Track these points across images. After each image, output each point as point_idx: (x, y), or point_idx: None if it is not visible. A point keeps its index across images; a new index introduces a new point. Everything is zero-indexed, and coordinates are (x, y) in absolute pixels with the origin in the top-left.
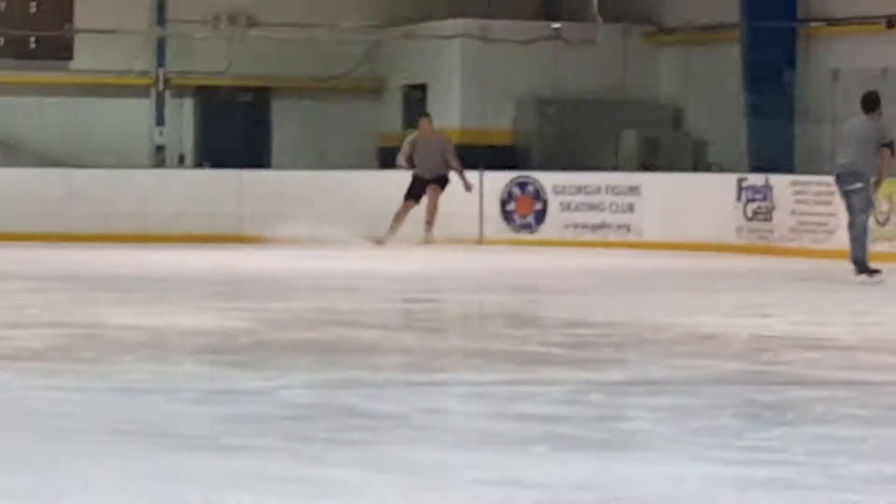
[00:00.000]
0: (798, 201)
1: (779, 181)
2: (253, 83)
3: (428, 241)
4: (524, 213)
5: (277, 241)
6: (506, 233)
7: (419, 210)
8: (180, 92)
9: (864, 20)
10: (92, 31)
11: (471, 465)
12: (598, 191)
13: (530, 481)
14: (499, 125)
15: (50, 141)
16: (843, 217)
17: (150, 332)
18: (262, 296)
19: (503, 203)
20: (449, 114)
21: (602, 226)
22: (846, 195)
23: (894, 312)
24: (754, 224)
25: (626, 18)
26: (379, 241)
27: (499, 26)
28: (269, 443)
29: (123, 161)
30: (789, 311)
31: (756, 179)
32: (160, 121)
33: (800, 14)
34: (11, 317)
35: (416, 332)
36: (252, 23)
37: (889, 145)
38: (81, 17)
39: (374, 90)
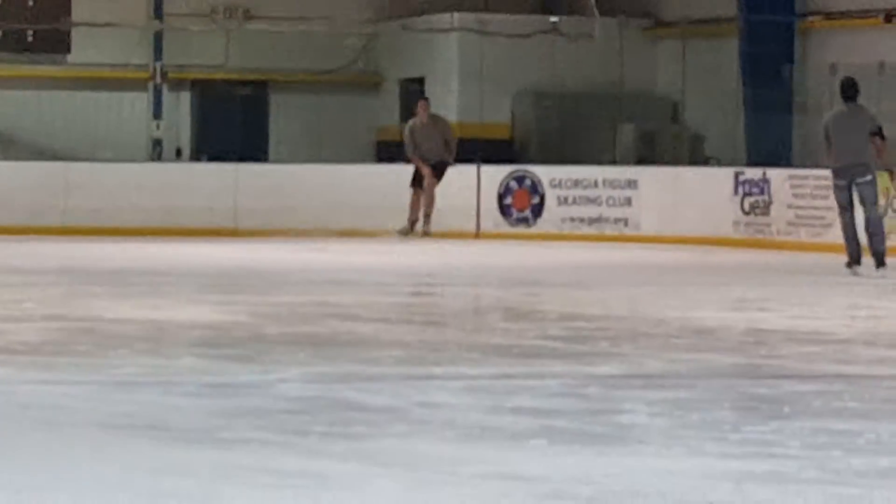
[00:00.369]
0: (795, 195)
1: (776, 175)
2: (250, 77)
3: (426, 233)
4: (521, 206)
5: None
6: (503, 226)
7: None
8: (177, 85)
9: (862, 14)
10: (89, 24)
11: (468, 458)
12: (595, 184)
13: (527, 475)
14: (496, 119)
15: (47, 134)
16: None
17: (146, 325)
18: (259, 289)
19: (500, 197)
20: (446, 107)
21: (599, 219)
22: (857, 187)
23: (891, 306)
24: (751, 218)
25: (624, 12)
26: (402, 232)
27: (496, 20)
28: (267, 436)
29: (120, 154)
30: (786, 304)
31: (753, 173)
32: (157, 114)
33: (798, 8)
34: (7, 310)
35: (413, 326)
36: (249, 16)
37: (879, 132)
38: (79, 11)
39: (372, 84)
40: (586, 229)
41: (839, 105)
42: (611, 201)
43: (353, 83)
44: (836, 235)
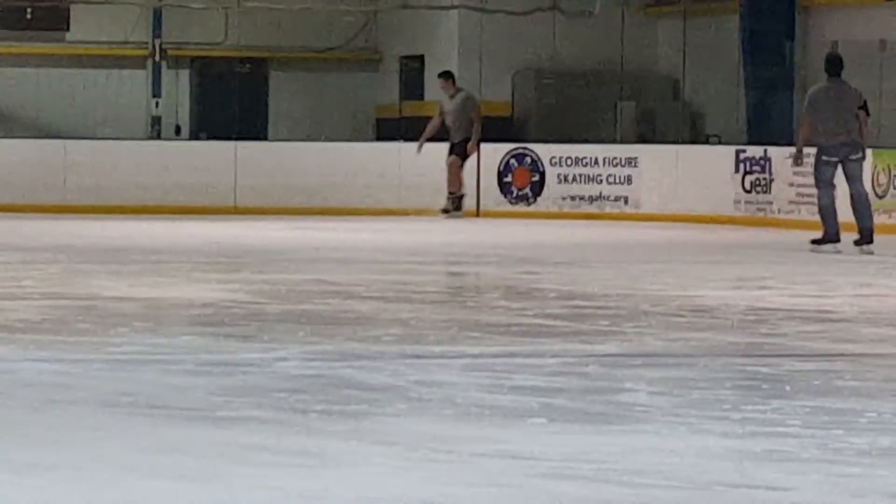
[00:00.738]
0: (796, 173)
1: (777, 153)
2: (250, 54)
3: (444, 210)
4: (521, 184)
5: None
6: (503, 205)
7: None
8: (177, 63)
9: None
10: (88, 1)
11: (468, 437)
12: (595, 163)
13: (527, 453)
14: (496, 97)
15: (46, 112)
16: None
17: (145, 303)
18: (258, 267)
19: (500, 175)
20: None
21: (599, 198)
22: (847, 164)
23: (892, 284)
24: (752, 196)
25: None
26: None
27: None
28: (266, 414)
29: (120, 132)
30: (787, 283)
31: (754, 151)
32: (157, 92)
33: None
34: (6, 288)
35: (413, 304)
36: None
37: (864, 106)
38: None
39: (372, 61)
40: (586, 207)
41: (823, 80)
42: (611, 179)
43: (353, 61)
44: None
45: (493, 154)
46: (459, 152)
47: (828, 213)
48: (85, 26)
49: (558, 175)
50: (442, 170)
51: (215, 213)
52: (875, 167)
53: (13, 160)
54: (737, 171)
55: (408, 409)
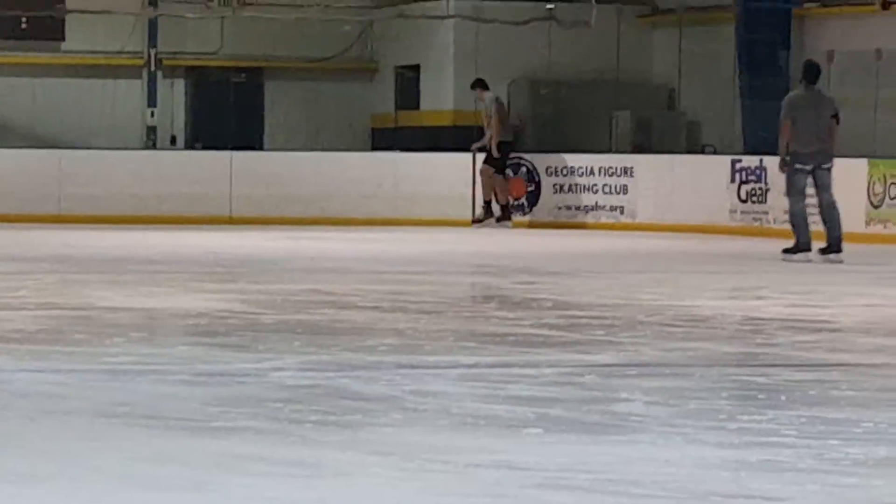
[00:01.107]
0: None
1: (773, 162)
2: (245, 64)
3: (476, 219)
4: (517, 194)
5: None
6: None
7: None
8: (172, 73)
9: (859, 1)
10: (83, 11)
11: (463, 447)
12: (591, 172)
13: (523, 464)
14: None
15: (41, 122)
16: (839, 198)
17: (141, 313)
18: (253, 277)
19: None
20: (442, 95)
21: (595, 207)
22: (818, 173)
23: (887, 294)
24: (748, 206)
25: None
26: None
27: (492, 7)
28: (261, 425)
29: (115, 142)
30: (783, 293)
31: (750, 161)
32: (152, 102)
33: None
34: (2, 298)
35: (408, 314)
36: (244, 3)
37: (836, 116)
38: None
39: (367, 71)
40: (582, 217)
41: (800, 88)
42: (606, 189)
43: (349, 70)
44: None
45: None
46: (491, 161)
47: (799, 221)
48: (80, 36)
49: (554, 185)
50: (434, 178)
51: (211, 223)
52: (871, 177)
53: (9, 170)
54: (732, 180)
55: (403, 419)
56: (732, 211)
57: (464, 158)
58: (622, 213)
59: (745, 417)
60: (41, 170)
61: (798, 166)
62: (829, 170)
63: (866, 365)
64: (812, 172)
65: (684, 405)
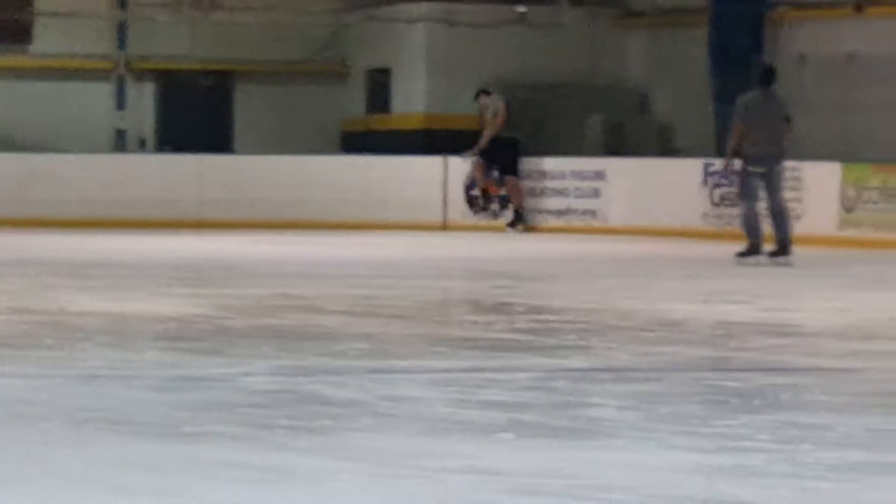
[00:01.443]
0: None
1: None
2: (215, 67)
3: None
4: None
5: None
6: (470, 218)
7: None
8: (141, 76)
9: (832, 4)
10: (52, 14)
11: (435, 452)
12: (563, 176)
13: (495, 469)
14: (464, 110)
15: (9, 125)
16: (812, 202)
17: (110, 318)
18: (223, 282)
19: (468, 188)
20: (413, 98)
21: (567, 211)
22: (770, 175)
23: (860, 298)
24: (721, 209)
25: (593, 2)
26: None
27: (464, 10)
28: (232, 430)
29: (84, 145)
30: (756, 297)
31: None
32: (121, 105)
33: None
34: None
35: (379, 319)
36: (214, 6)
37: (788, 120)
38: (41, 0)
39: (338, 74)
40: (554, 221)
41: (754, 90)
42: (579, 193)
43: (319, 73)
44: (807, 226)
45: (460, 167)
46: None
47: (752, 224)
48: (48, 39)
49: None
50: (405, 182)
51: (180, 226)
52: (844, 181)
53: None
54: (705, 184)
55: (375, 424)
56: (705, 214)
57: (435, 162)
58: (594, 216)
59: (719, 422)
60: (9, 173)
61: (751, 169)
62: (780, 172)
63: (839, 369)
64: (764, 175)
65: (657, 410)
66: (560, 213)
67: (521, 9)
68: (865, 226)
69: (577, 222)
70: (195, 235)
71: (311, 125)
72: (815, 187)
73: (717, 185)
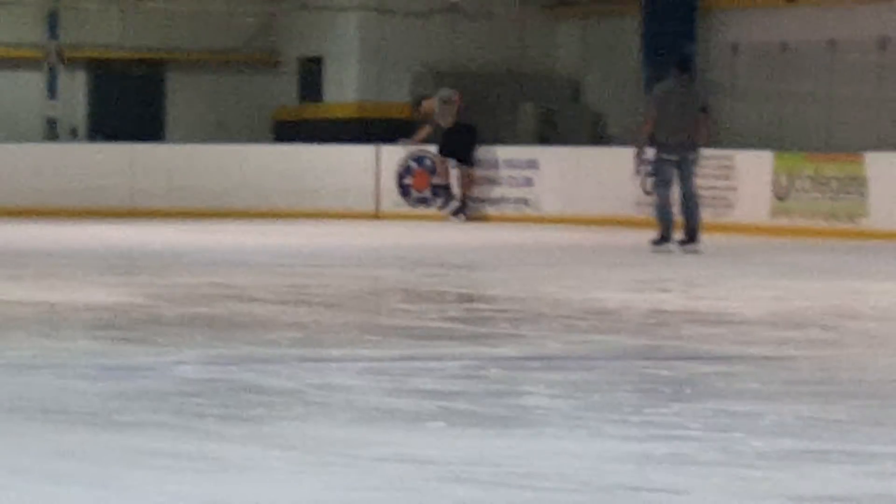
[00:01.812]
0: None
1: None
2: (147, 56)
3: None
4: (421, 187)
5: None
6: (403, 207)
7: (325, 182)
8: (73, 65)
9: None
10: None
11: (367, 441)
12: (495, 164)
13: (426, 457)
14: (396, 98)
15: None
16: (744, 191)
17: (42, 307)
18: (155, 271)
19: (400, 177)
20: (345, 87)
21: (500, 200)
22: (682, 164)
23: (792, 286)
24: (653, 198)
25: None
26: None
27: None
28: (164, 419)
29: (15, 134)
30: (688, 285)
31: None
32: (53, 94)
33: None
34: None
35: (311, 308)
36: None
37: (705, 109)
38: None
39: (270, 63)
40: (487, 209)
41: (671, 78)
42: (511, 181)
43: (251, 62)
44: (739, 216)
45: (392, 156)
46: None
47: (664, 212)
48: None
49: (458, 177)
50: (338, 170)
51: (112, 215)
52: (776, 170)
53: None
54: (637, 172)
55: (306, 413)
56: (637, 203)
57: (368, 150)
58: (527, 205)
59: (650, 410)
60: None
61: (664, 156)
62: (693, 161)
63: (771, 357)
64: (677, 163)
65: (588, 398)
66: (492, 201)
67: None
68: (797, 214)
69: (509, 211)
70: (127, 224)
71: (244, 114)
72: (748, 176)
73: (650, 174)
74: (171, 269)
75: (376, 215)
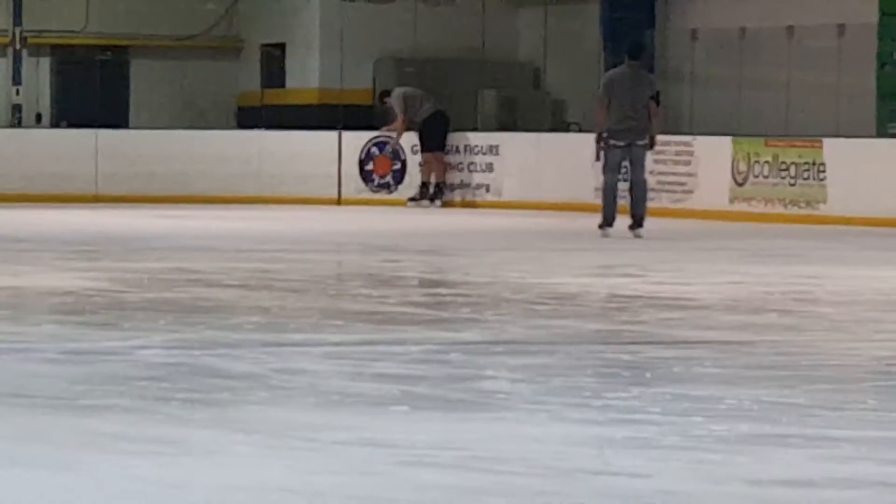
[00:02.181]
0: (657, 161)
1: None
2: (111, 42)
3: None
4: (383, 172)
5: None
6: (364, 192)
7: (288, 168)
8: (37, 51)
9: None
10: None
11: (329, 425)
12: (456, 150)
13: (389, 441)
14: (358, 85)
15: None
16: (704, 176)
17: (6, 292)
18: (119, 256)
19: (362, 163)
20: (308, 74)
21: (461, 185)
22: (632, 150)
23: (751, 272)
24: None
25: None
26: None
27: None
28: (128, 403)
29: None
30: (648, 270)
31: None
32: (17, 80)
33: None
34: None
35: (274, 293)
36: None
37: (656, 97)
38: None
39: (233, 49)
40: (448, 195)
41: (622, 65)
42: (472, 167)
43: (214, 49)
44: (698, 202)
45: (354, 142)
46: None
47: (607, 197)
48: None
49: (419, 163)
50: (300, 156)
51: (76, 201)
52: (735, 155)
53: None
54: (598, 158)
55: (269, 397)
56: (598, 189)
57: (330, 136)
58: (488, 191)
59: (610, 394)
60: None
61: (613, 142)
62: (643, 147)
63: (730, 342)
64: (627, 149)
65: (549, 382)
66: (454, 187)
67: None
68: (756, 200)
69: (470, 196)
70: (91, 210)
71: (207, 100)
72: (707, 161)
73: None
74: (134, 255)
75: (338, 201)
